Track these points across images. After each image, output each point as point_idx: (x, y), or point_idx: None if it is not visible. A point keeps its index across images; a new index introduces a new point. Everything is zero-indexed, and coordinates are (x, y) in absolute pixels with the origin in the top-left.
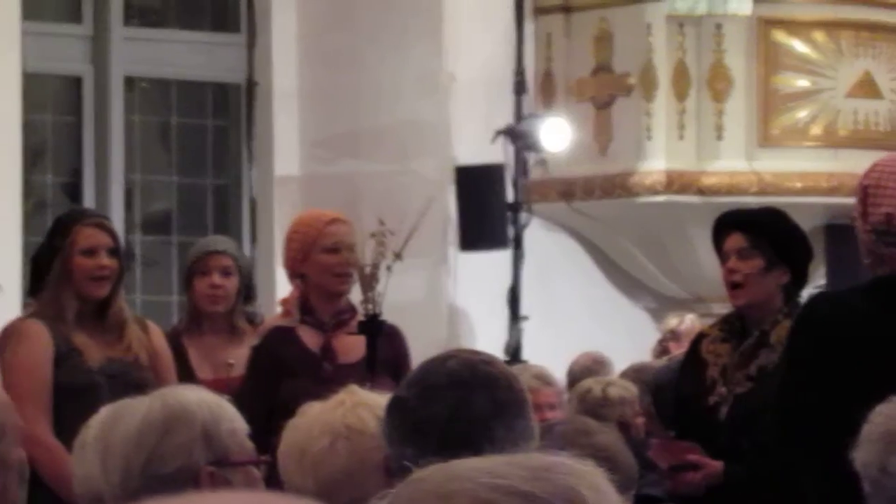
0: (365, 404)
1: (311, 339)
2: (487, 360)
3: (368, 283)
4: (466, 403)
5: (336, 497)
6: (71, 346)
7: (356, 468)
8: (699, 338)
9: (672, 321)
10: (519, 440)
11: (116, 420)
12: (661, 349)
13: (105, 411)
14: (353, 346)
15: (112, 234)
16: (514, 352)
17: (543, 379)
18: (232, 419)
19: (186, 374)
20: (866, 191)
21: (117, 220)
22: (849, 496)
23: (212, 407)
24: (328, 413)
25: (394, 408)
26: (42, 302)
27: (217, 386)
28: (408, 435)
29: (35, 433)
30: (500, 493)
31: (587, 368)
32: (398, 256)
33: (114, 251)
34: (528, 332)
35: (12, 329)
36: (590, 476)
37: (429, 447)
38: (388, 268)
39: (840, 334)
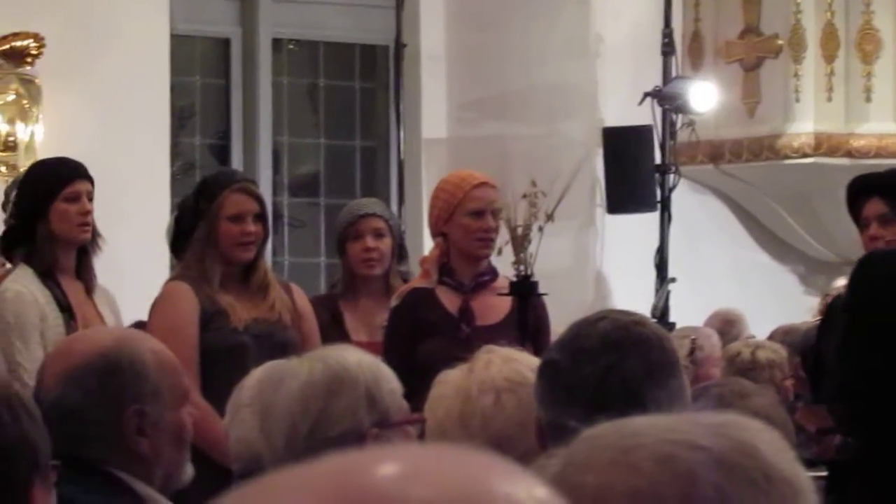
0: (514, 359)
1: (449, 300)
2: (639, 321)
3: (520, 244)
4: (619, 365)
5: (507, 452)
6: (217, 307)
7: (527, 419)
8: (836, 300)
9: (840, 281)
10: (672, 401)
11: (277, 383)
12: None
13: (260, 373)
14: (492, 308)
15: (258, 199)
16: (661, 314)
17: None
18: (390, 379)
19: (342, 339)
20: None
21: (264, 182)
22: None
23: (371, 367)
24: (480, 372)
25: (545, 370)
26: (187, 264)
27: (372, 349)
28: (560, 397)
29: None
30: (680, 447)
31: (718, 330)
32: (550, 217)
33: (260, 216)
34: (675, 294)
35: (159, 291)
36: (766, 433)
37: (581, 409)
38: (540, 229)
39: None
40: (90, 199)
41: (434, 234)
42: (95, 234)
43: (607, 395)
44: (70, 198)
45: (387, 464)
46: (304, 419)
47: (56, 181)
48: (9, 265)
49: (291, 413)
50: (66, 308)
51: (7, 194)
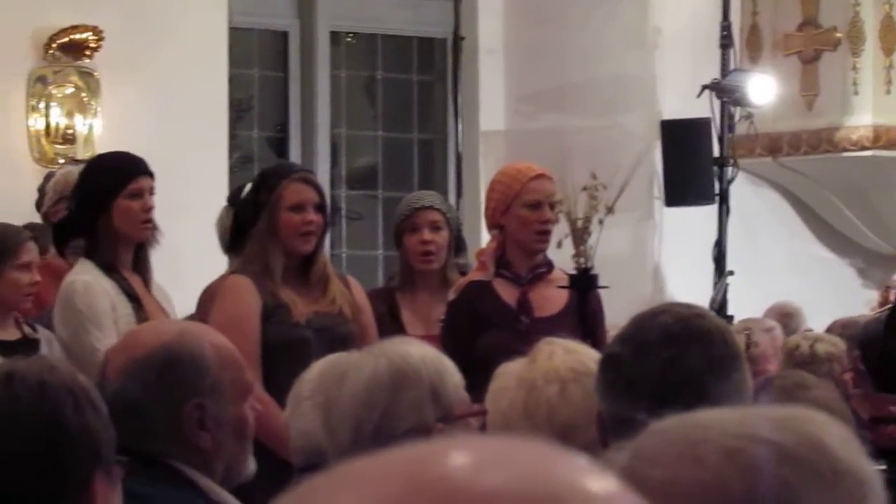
0: (576, 350)
1: (507, 292)
2: (700, 314)
3: (580, 236)
4: (680, 359)
5: (573, 441)
6: (278, 300)
7: (592, 408)
8: None
9: None
10: (734, 394)
11: (340, 378)
12: (884, 300)
13: (320, 367)
14: (549, 299)
15: (318, 189)
16: (719, 307)
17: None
18: (453, 373)
19: (399, 332)
20: None
21: (323, 174)
22: None
23: (435, 362)
24: (544, 362)
25: (607, 363)
26: (248, 257)
27: (429, 342)
28: (622, 391)
29: None
30: (747, 440)
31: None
32: (610, 210)
33: (320, 207)
34: (733, 287)
35: (220, 285)
36: (832, 426)
37: (643, 403)
38: (600, 221)
39: None
40: (152, 195)
41: (490, 227)
42: (154, 227)
43: (669, 388)
44: (133, 194)
45: (457, 454)
46: (370, 416)
47: (119, 177)
48: (50, 256)
49: (357, 409)
50: (134, 298)
51: (42, 188)
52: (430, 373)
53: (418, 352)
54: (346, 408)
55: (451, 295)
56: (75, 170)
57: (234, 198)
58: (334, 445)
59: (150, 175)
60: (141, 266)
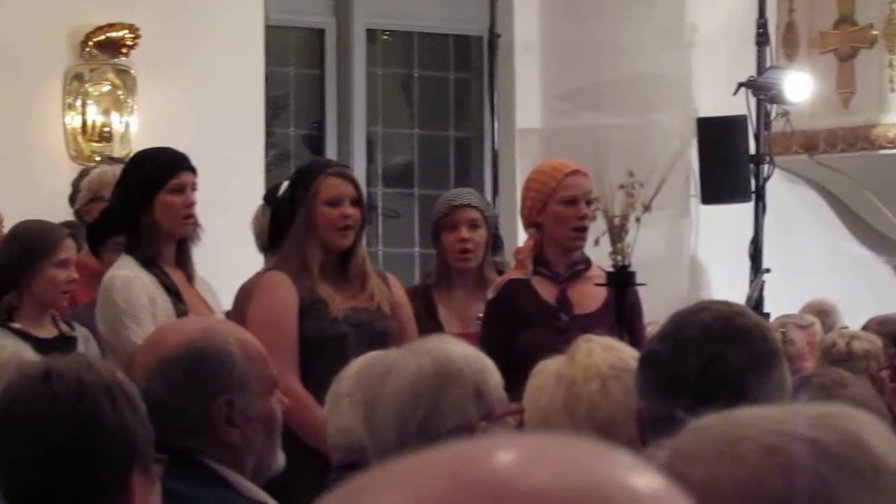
0: (615, 347)
1: (545, 290)
2: (740, 312)
3: (617, 234)
4: (721, 357)
5: (614, 438)
6: (315, 296)
7: (633, 405)
8: None
9: None
10: (774, 392)
11: (382, 376)
12: None
13: (360, 364)
14: (588, 297)
15: (355, 183)
16: (755, 304)
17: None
18: (493, 371)
19: (435, 329)
20: None
21: (359, 172)
22: None
23: (477, 361)
24: (583, 359)
25: (647, 361)
26: (285, 253)
27: (466, 340)
28: (662, 388)
29: (283, 384)
30: (786, 438)
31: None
32: (647, 208)
33: (357, 201)
34: (770, 284)
35: (256, 282)
36: (872, 423)
37: (683, 401)
38: (637, 219)
39: None
40: (194, 191)
41: (528, 226)
42: (195, 223)
43: (710, 385)
44: (175, 189)
45: (502, 452)
46: (415, 414)
47: (161, 172)
48: (82, 254)
49: (401, 408)
50: (174, 292)
51: (76, 185)
52: (473, 371)
53: (461, 350)
54: (390, 406)
55: (490, 293)
56: (110, 170)
57: (270, 196)
58: (377, 443)
59: (193, 171)
60: (183, 261)
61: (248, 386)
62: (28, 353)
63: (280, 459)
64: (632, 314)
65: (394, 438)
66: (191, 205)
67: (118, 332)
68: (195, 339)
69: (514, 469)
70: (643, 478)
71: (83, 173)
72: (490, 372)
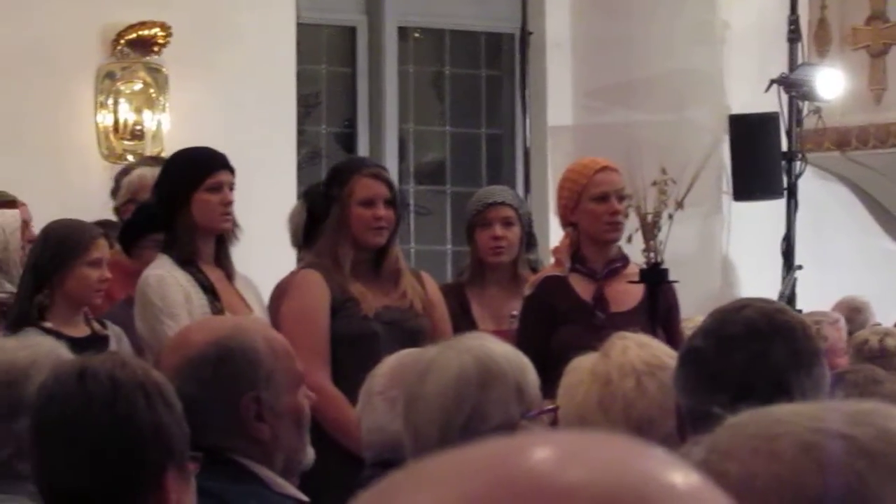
0: (649, 344)
1: (582, 287)
2: (781, 309)
3: (650, 231)
4: (765, 353)
5: (650, 435)
6: (347, 294)
7: (668, 402)
8: None
9: None
10: (814, 389)
11: (423, 373)
12: None
13: (393, 362)
14: (625, 295)
15: (389, 184)
16: (787, 301)
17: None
18: (532, 370)
19: (469, 327)
20: None
21: (390, 169)
22: None
23: (517, 359)
24: (618, 357)
25: (689, 357)
26: (319, 251)
27: (499, 338)
28: (704, 384)
29: (315, 382)
30: (823, 435)
31: (844, 318)
32: (680, 205)
33: (391, 201)
34: (802, 281)
35: (290, 279)
36: None
37: (725, 397)
38: (670, 216)
39: None
40: (231, 190)
41: (564, 225)
42: (234, 223)
43: (753, 383)
44: (212, 188)
45: (540, 448)
46: (459, 414)
47: (199, 171)
48: (117, 247)
49: (445, 408)
50: (210, 290)
51: (117, 181)
52: (514, 370)
53: (500, 349)
54: (433, 405)
55: (527, 290)
56: (150, 173)
57: (309, 194)
58: (418, 442)
59: (231, 170)
60: (222, 259)
61: (275, 382)
62: (64, 352)
63: (309, 454)
64: (668, 312)
65: (437, 437)
66: (228, 203)
67: (156, 329)
68: (221, 337)
69: (551, 465)
70: (680, 474)
71: (125, 171)
72: (529, 370)
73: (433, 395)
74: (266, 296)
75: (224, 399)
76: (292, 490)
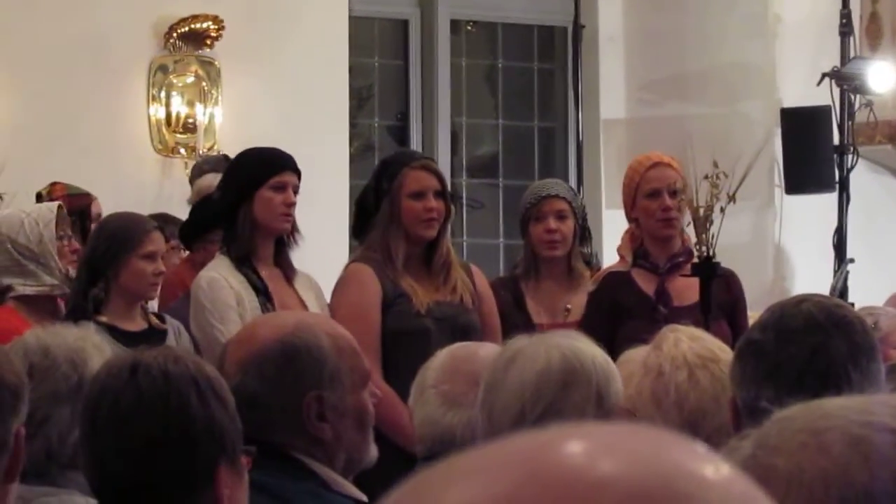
0: (701, 337)
1: (645, 282)
2: (839, 304)
3: (703, 225)
4: (825, 347)
5: (702, 427)
6: (399, 290)
7: (721, 394)
8: None
9: None
10: (871, 383)
11: (509, 362)
12: None
13: (445, 355)
14: (687, 289)
15: (439, 176)
16: (840, 294)
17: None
18: (617, 378)
19: (523, 320)
20: None
21: (443, 163)
22: None
23: (604, 365)
24: (670, 349)
25: (748, 350)
26: (370, 245)
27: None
28: (763, 377)
29: None
30: (871, 429)
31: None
32: (732, 199)
33: (441, 193)
34: (854, 274)
35: (342, 273)
36: None
37: (785, 389)
38: (722, 210)
39: None
40: (295, 193)
41: (629, 221)
42: (294, 227)
43: (813, 376)
44: (276, 187)
45: (572, 442)
46: (535, 408)
47: (265, 169)
48: (177, 244)
49: (523, 399)
50: (262, 291)
51: (191, 179)
52: (598, 375)
53: (590, 351)
54: (512, 394)
55: (591, 286)
56: (216, 180)
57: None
58: (491, 428)
59: (297, 173)
60: (281, 260)
61: (339, 380)
62: (107, 349)
63: (373, 452)
64: (735, 305)
65: (509, 426)
66: (290, 204)
67: (206, 331)
68: (287, 334)
69: (583, 458)
70: (712, 467)
71: (198, 170)
72: (614, 378)
73: (514, 384)
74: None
75: (286, 397)
76: (351, 489)
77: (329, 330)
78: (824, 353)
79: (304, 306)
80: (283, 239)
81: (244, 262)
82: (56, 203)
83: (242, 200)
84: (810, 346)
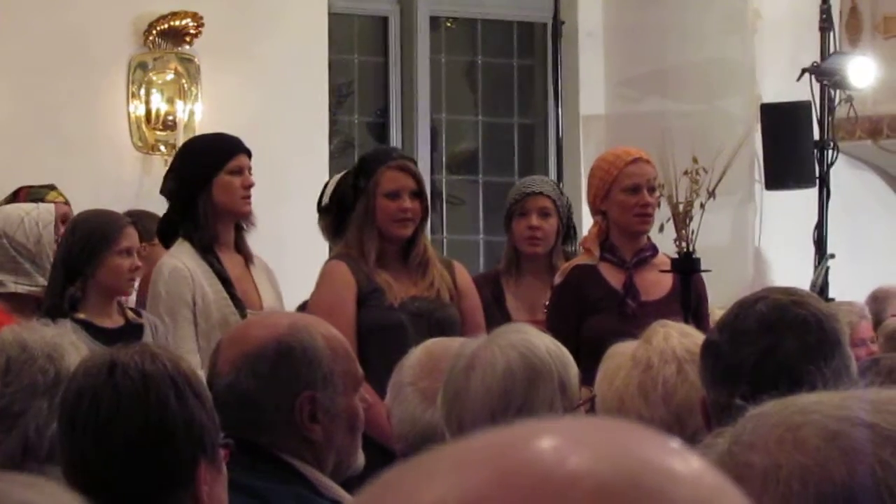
0: (690, 333)
1: (612, 276)
2: (798, 301)
3: (682, 220)
4: (775, 348)
5: (689, 421)
6: (373, 285)
7: None
8: None
9: None
10: (834, 380)
11: (467, 370)
12: None
13: (421, 352)
14: (655, 284)
15: (415, 176)
16: (819, 290)
17: (859, 313)
18: (573, 363)
19: (503, 317)
20: None
21: (422, 159)
22: None
23: (559, 354)
24: (660, 343)
25: (707, 351)
26: (346, 242)
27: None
28: (720, 377)
29: None
30: (847, 424)
31: (872, 309)
32: (711, 194)
33: (417, 193)
34: (834, 270)
35: (320, 271)
36: None
37: (741, 390)
38: (702, 205)
39: None
40: (250, 174)
41: (593, 213)
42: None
43: (765, 376)
44: (233, 171)
45: (542, 437)
46: (506, 412)
47: (220, 155)
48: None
49: (492, 406)
50: (226, 280)
51: None
52: (557, 365)
53: (542, 343)
54: (479, 403)
55: (557, 279)
56: None
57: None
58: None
59: (248, 154)
60: (241, 245)
61: (332, 382)
62: (83, 347)
63: (360, 459)
64: (698, 302)
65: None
66: (249, 186)
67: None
68: (282, 334)
69: (552, 455)
70: (681, 460)
71: None
72: (571, 364)
73: (479, 392)
74: (294, 283)
75: (279, 397)
76: (340, 492)
77: (324, 331)
78: (774, 354)
79: (257, 292)
80: (241, 224)
81: (208, 250)
82: (52, 205)
83: (200, 189)
84: (761, 348)
